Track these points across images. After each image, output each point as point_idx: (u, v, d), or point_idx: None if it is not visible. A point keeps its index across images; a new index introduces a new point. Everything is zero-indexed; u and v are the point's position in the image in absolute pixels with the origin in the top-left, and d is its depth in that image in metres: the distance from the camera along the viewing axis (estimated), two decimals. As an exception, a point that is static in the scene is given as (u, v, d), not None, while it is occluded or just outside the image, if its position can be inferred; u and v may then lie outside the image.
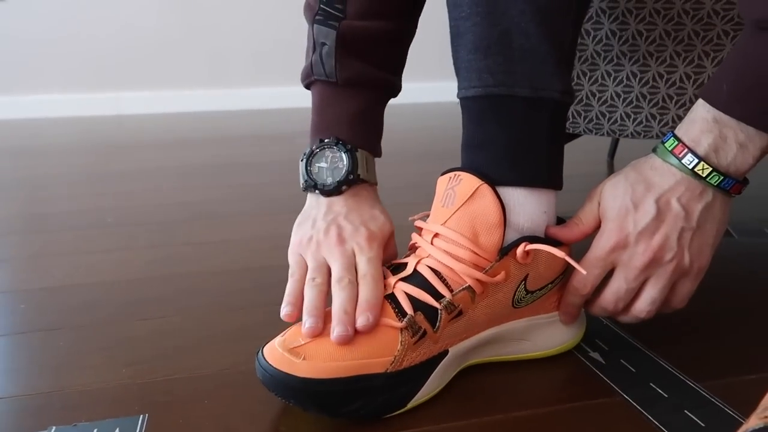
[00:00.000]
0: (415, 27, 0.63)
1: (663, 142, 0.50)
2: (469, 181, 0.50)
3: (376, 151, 0.62)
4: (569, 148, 0.76)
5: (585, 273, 0.51)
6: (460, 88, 0.51)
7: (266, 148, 1.57)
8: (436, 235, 0.52)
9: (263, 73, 2.26)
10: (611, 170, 1.26)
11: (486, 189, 0.50)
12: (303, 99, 2.35)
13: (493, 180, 0.50)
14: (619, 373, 0.54)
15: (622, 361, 0.56)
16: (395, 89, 0.63)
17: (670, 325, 0.62)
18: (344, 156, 0.58)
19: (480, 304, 0.50)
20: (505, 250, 0.50)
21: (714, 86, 0.47)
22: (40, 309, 0.68)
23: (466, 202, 0.50)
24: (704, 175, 0.48)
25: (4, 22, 2.03)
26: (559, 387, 0.53)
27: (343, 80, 0.59)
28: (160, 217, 0.99)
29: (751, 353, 0.57)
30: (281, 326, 0.51)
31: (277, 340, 0.48)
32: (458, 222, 0.50)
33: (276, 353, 0.47)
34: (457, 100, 0.52)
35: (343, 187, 0.58)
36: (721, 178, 0.48)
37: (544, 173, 0.51)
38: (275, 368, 0.46)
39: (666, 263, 0.49)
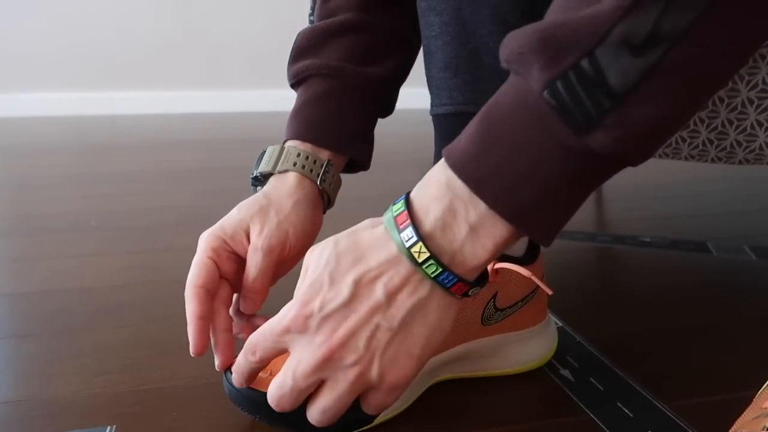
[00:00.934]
0: (379, 18, 0.58)
1: (394, 203, 0.38)
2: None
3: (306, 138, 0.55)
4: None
5: (260, 341, 0.40)
6: (432, 105, 0.52)
7: (256, 152, 1.57)
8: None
9: (257, 76, 2.26)
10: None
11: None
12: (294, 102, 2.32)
13: None
14: (588, 392, 0.54)
15: (591, 379, 0.56)
16: (349, 75, 0.55)
17: (641, 344, 0.63)
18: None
19: (448, 322, 0.50)
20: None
21: (456, 139, 0.36)
22: (15, 315, 0.68)
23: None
24: (420, 260, 0.36)
25: (-2, 19, 2.03)
26: (527, 404, 0.53)
27: (290, 81, 0.57)
28: (144, 222, 0.99)
29: (721, 373, 0.57)
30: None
31: (245, 354, 0.48)
32: None
33: (243, 368, 0.47)
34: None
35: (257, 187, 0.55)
36: (440, 269, 0.36)
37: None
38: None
39: (345, 367, 0.37)
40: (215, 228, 0.51)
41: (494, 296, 0.52)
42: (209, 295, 0.49)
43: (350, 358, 0.37)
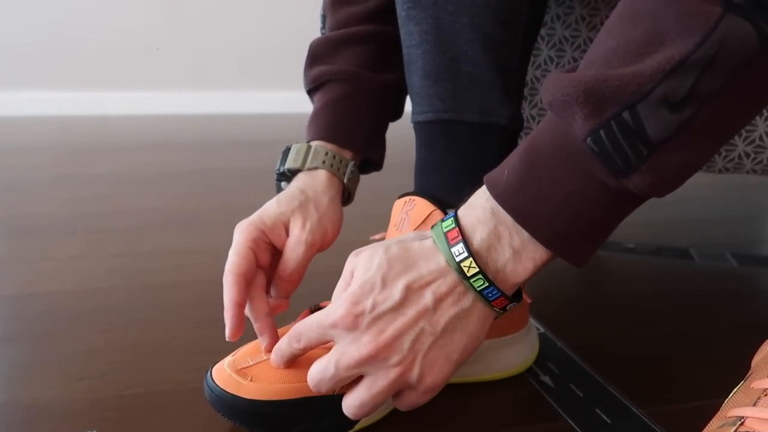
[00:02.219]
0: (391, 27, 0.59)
1: (443, 220, 0.41)
2: (422, 206, 0.51)
3: (329, 139, 0.58)
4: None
5: (306, 331, 0.43)
6: (413, 113, 0.52)
7: (246, 155, 1.58)
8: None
9: (247, 77, 2.26)
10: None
11: (438, 214, 0.50)
12: (286, 104, 2.34)
13: (444, 203, 0.51)
14: (567, 398, 0.55)
15: (571, 385, 0.57)
16: (365, 80, 0.59)
17: (622, 350, 0.64)
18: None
19: (429, 328, 0.51)
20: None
21: (498, 170, 0.40)
22: (-2, 318, 0.68)
23: (419, 226, 0.51)
24: (469, 275, 0.39)
25: (-14, 18, 2.02)
26: (507, 410, 0.54)
27: (308, 86, 0.61)
28: (131, 224, 0.99)
29: (699, 380, 0.58)
30: (237, 342, 0.51)
31: (226, 361, 0.49)
32: None
33: (224, 374, 0.47)
34: None
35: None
36: (486, 284, 0.39)
37: None
38: (222, 389, 0.46)
39: (388, 366, 0.39)
40: (254, 219, 0.52)
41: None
42: (247, 283, 0.50)
43: (394, 358, 0.39)
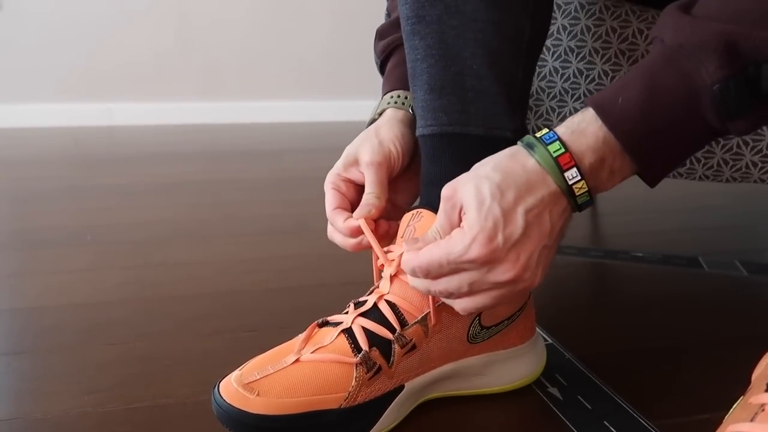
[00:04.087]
0: None
1: (545, 142, 0.44)
2: (428, 219, 0.51)
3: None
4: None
5: (429, 265, 0.44)
6: (417, 126, 0.53)
7: (253, 165, 1.58)
8: (398, 271, 0.52)
9: (255, 87, 2.28)
10: (592, 195, 1.27)
11: (444, 227, 0.51)
12: (294, 114, 2.35)
13: None
14: (575, 410, 0.54)
15: (579, 397, 0.56)
16: None
17: (630, 361, 0.63)
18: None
19: (434, 339, 0.51)
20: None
21: (609, 97, 0.43)
22: (8, 331, 0.68)
23: (424, 239, 0.51)
24: (578, 194, 0.44)
25: (-2, 31, 2.04)
26: (515, 423, 0.54)
27: (379, 57, 0.65)
28: (139, 236, 1.00)
29: (707, 392, 0.57)
30: (244, 353, 0.52)
31: (233, 375, 0.49)
32: None
33: (231, 388, 0.47)
34: None
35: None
36: (589, 198, 0.45)
37: None
38: (229, 404, 0.47)
39: (521, 282, 0.44)
40: (333, 168, 0.58)
41: (479, 314, 0.52)
42: (346, 214, 0.55)
43: (527, 275, 0.44)
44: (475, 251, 0.43)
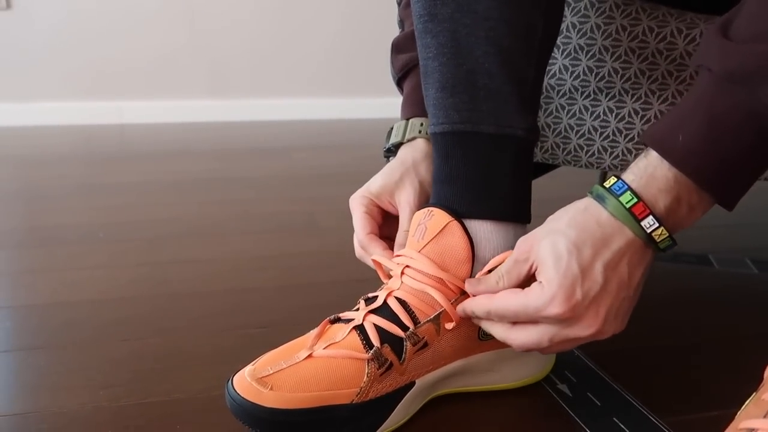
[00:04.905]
0: None
1: (615, 193, 0.44)
2: (439, 217, 0.52)
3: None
4: (562, 171, 0.78)
5: (509, 313, 0.47)
6: (429, 124, 0.53)
7: (263, 162, 1.59)
8: (407, 266, 0.53)
9: (265, 85, 2.28)
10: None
11: (455, 225, 0.51)
12: (302, 111, 2.36)
13: (460, 213, 0.51)
14: (585, 407, 0.55)
15: (588, 394, 0.57)
16: None
17: (639, 358, 0.63)
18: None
19: (445, 336, 0.52)
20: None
21: (668, 134, 0.44)
22: (24, 327, 0.70)
23: (435, 236, 0.52)
24: (658, 240, 0.44)
25: (8, 29, 2.06)
26: (524, 420, 0.54)
27: (397, 75, 0.66)
28: (151, 234, 1.01)
29: (717, 389, 0.58)
30: (256, 350, 0.52)
31: (247, 369, 0.50)
32: (428, 255, 0.52)
33: (244, 382, 0.48)
34: None
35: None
36: (670, 242, 0.45)
37: (508, 207, 0.52)
38: (242, 397, 0.47)
39: (602, 334, 0.46)
40: (362, 191, 0.59)
41: (491, 312, 0.53)
42: (382, 243, 0.57)
43: (609, 328, 0.46)
44: (556, 308, 0.44)
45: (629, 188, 0.44)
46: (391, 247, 0.58)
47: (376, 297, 0.53)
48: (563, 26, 0.67)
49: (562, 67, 0.68)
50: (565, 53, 0.67)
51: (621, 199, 0.44)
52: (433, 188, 0.54)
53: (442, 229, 0.51)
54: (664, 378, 0.60)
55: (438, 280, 0.51)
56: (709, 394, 0.57)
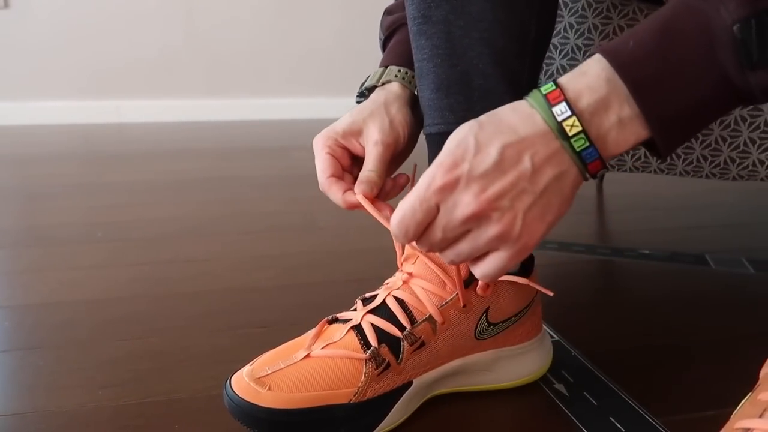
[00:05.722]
0: None
1: (539, 87, 0.41)
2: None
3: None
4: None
5: (404, 215, 0.42)
6: (425, 125, 0.53)
7: (261, 162, 1.59)
8: (410, 273, 0.53)
9: (263, 84, 2.28)
10: (600, 192, 1.27)
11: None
12: (301, 110, 2.36)
13: None
14: (582, 407, 0.55)
15: (585, 393, 0.57)
16: None
17: (637, 358, 0.64)
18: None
19: (442, 336, 0.52)
20: (467, 283, 0.52)
21: (620, 41, 0.40)
22: (22, 327, 0.70)
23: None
24: (570, 134, 0.39)
25: (6, 28, 2.06)
26: (521, 420, 0.54)
27: (384, 33, 0.65)
28: (149, 233, 1.01)
29: (713, 389, 0.58)
30: (255, 349, 0.53)
31: (245, 370, 0.50)
32: (429, 259, 0.52)
33: (242, 383, 0.48)
34: None
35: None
36: (587, 144, 0.39)
37: None
38: (240, 398, 0.47)
39: (492, 222, 0.41)
40: (327, 130, 0.56)
41: (486, 311, 0.53)
42: (343, 185, 0.54)
43: (496, 215, 0.40)
44: (437, 178, 0.40)
45: (553, 81, 0.41)
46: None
47: (375, 296, 0.54)
48: (561, 27, 0.67)
49: (559, 67, 0.68)
50: (563, 53, 0.67)
51: (542, 87, 0.41)
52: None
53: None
54: (660, 378, 0.60)
55: (438, 280, 0.51)
56: (705, 393, 0.57)
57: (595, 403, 0.55)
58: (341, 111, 0.59)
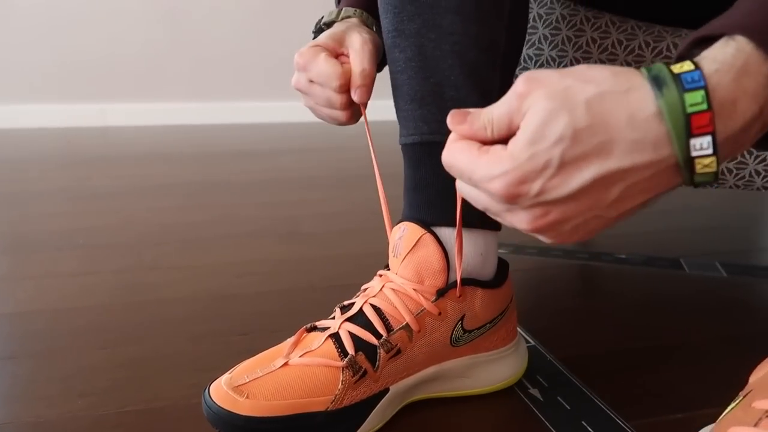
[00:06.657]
0: None
1: (683, 87, 0.30)
2: (412, 231, 0.53)
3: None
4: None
5: (464, 169, 0.36)
6: (400, 135, 0.54)
7: (246, 165, 1.59)
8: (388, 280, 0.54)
9: (247, 88, 2.28)
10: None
11: (428, 238, 0.52)
12: (286, 114, 2.35)
13: (430, 222, 0.53)
14: (555, 411, 0.56)
15: (558, 398, 0.58)
16: None
17: (611, 362, 0.65)
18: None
19: (418, 343, 0.53)
20: (442, 292, 0.53)
21: (758, 22, 0.30)
22: (0, 335, 0.69)
23: (410, 250, 0.53)
24: (699, 171, 0.30)
25: (-11, 32, 2.04)
26: (496, 424, 0.55)
27: None
28: (132, 239, 1.01)
29: (685, 392, 0.59)
30: (236, 356, 0.53)
31: (224, 378, 0.50)
32: (404, 270, 0.53)
33: (221, 391, 0.49)
34: None
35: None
36: (712, 178, 0.31)
37: (475, 215, 0.53)
38: (219, 406, 0.48)
39: (543, 234, 0.36)
40: (310, 44, 0.56)
41: (462, 318, 0.54)
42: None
43: (551, 234, 0.34)
44: (496, 186, 0.33)
45: (705, 87, 0.29)
46: (347, 91, 0.55)
47: (353, 304, 0.54)
48: (535, 38, 0.69)
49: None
50: (538, 64, 0.69)
51: (686, 96, 0.29)
52: (405, 198, 0.55)
53: (417, 242, 0.53)
54: (633, 382, 0.61)
55: (414, 289, 0.52)
56: (678, 396, 0.59)
57: (569, 407, 0.57)
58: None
